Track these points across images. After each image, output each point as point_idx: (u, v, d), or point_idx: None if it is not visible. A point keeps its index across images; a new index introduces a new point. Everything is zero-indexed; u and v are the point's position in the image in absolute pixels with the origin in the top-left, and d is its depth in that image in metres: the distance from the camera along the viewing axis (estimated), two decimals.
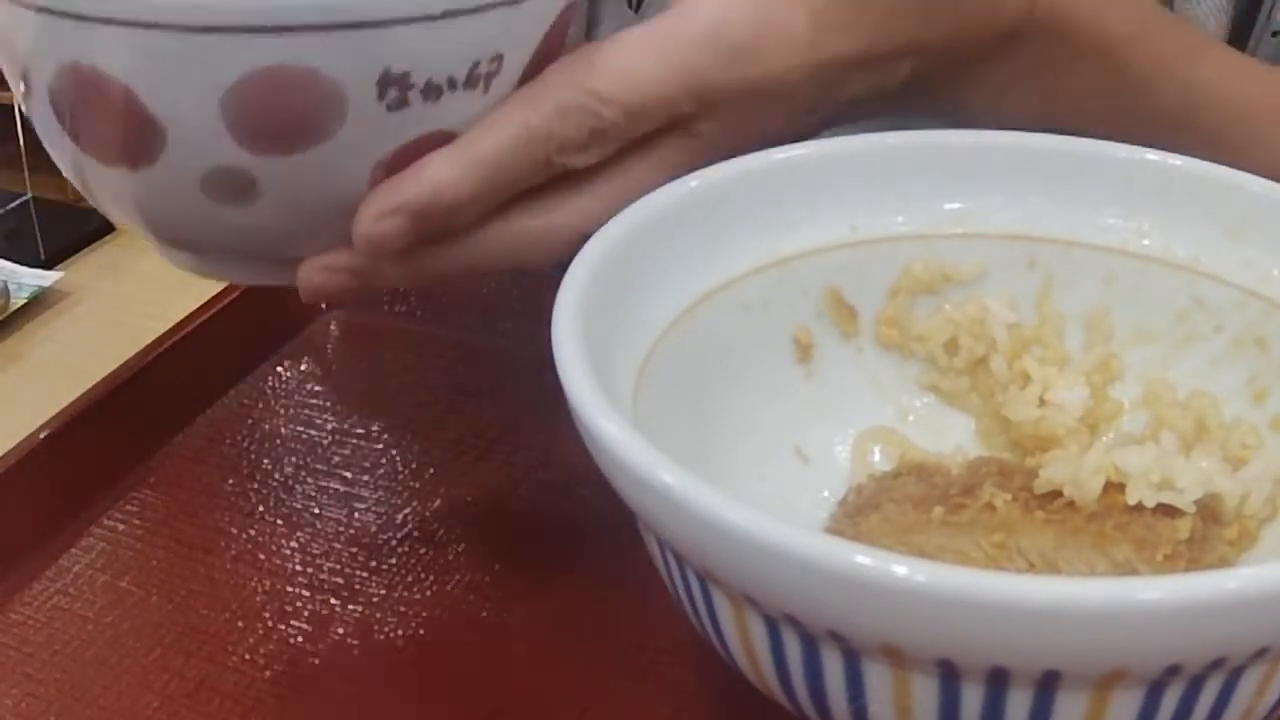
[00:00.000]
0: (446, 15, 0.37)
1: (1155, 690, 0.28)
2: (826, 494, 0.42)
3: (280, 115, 0.37)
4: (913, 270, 0.43)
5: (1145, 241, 0.42)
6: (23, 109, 0.42)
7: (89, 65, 0.37)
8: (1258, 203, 0.41)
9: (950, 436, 0.44)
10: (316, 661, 0.43)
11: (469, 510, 0.49)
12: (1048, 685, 0.28)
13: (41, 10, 0.37)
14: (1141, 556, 0.37)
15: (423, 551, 0.47)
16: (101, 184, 0.42)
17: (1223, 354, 0.41)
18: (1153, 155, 0.42)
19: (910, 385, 0.44)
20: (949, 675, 0.29)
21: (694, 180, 0.42)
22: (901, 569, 0.27)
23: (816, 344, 0.43)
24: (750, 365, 0.42)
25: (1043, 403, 0.41)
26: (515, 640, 0.43)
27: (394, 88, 0.37)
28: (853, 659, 0.30)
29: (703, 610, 0.33)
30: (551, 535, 0.47)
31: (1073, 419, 0.41)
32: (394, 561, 0.47)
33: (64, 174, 0.43)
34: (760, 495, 0.40)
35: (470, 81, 0.39)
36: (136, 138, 0.38)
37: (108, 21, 0.37)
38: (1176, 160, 0.42)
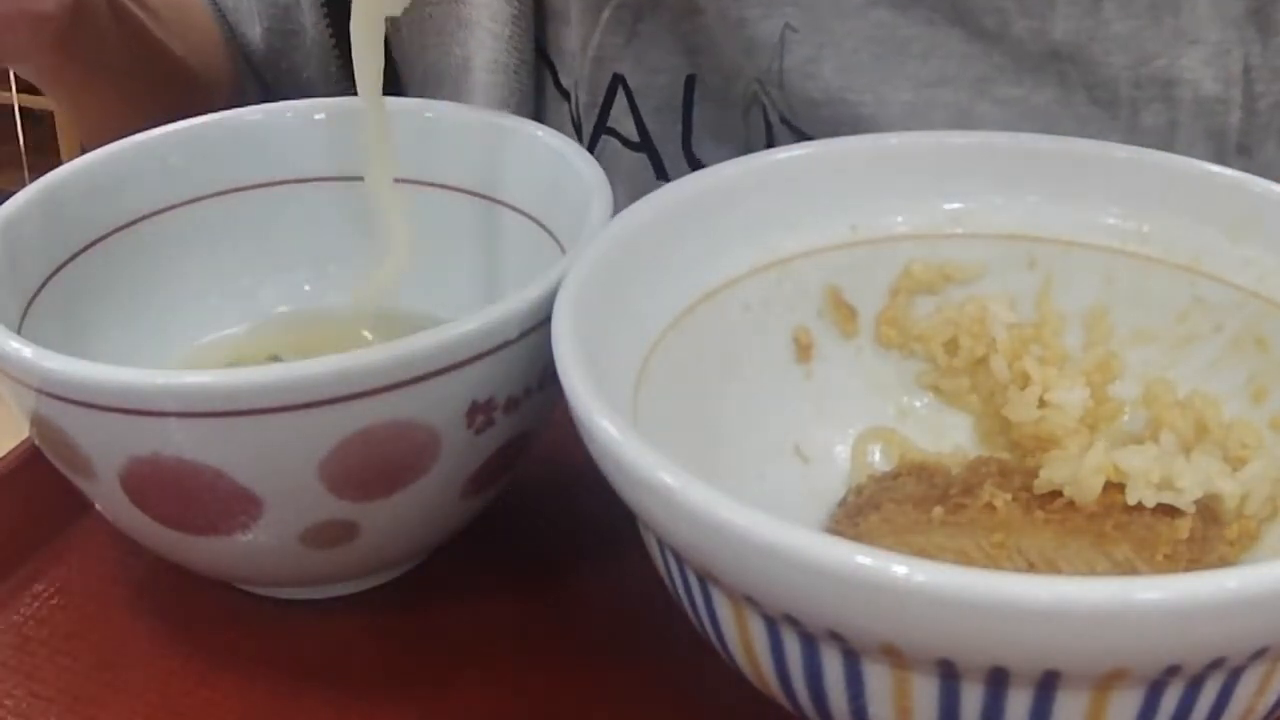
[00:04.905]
0: (523, 336, 0.38)
1: (1155, 690, 0.28)
2: (826, 494, 0.42)
3: (379, 466, 0.38)
4: (913, 270, 0.43)
5: (1145, 241, 0.42)
6: (82, 489, 0.41)
7: (172, 455, 0.36)
8: (1258, 203, 0.41)
9: (950, 436, 0.44)
10: (316, 661, 0.43)
11: None
12: (1048, 685, 0.28)
13: (110, 410, 0.36)
14: (1141, 556, 0.37)
15: None
16: (187, 549, 0.41)
17: (1223, 354, 0.41)
18: (1153, 155, 0.43)
19: (910, 385, 0.44)
20: (949, 675, 0.29)
21: (694, 180, 0.42)
22: (901, 569, 0.27)
23: (816, 344, 0.43)
24: (750, 365, 0.42)
25: (1043, 403, 0.41)
26: (516, 640, 0.43)
27: (481, 414, 0.38)
28: (853, 659, 0.30)
29: (703, 610, 0.33)
30: (552, 535, 0.47)
31: (1073, 419, 0.41)
32: None
33: (133, 538, 0.42)
34: (760, 495, 0.40)
35: (543, 384, 0.39)
36: (230, 511, 0.38)
37: (188, 415, 0.36)
38: (1176, 160, 0.42)
